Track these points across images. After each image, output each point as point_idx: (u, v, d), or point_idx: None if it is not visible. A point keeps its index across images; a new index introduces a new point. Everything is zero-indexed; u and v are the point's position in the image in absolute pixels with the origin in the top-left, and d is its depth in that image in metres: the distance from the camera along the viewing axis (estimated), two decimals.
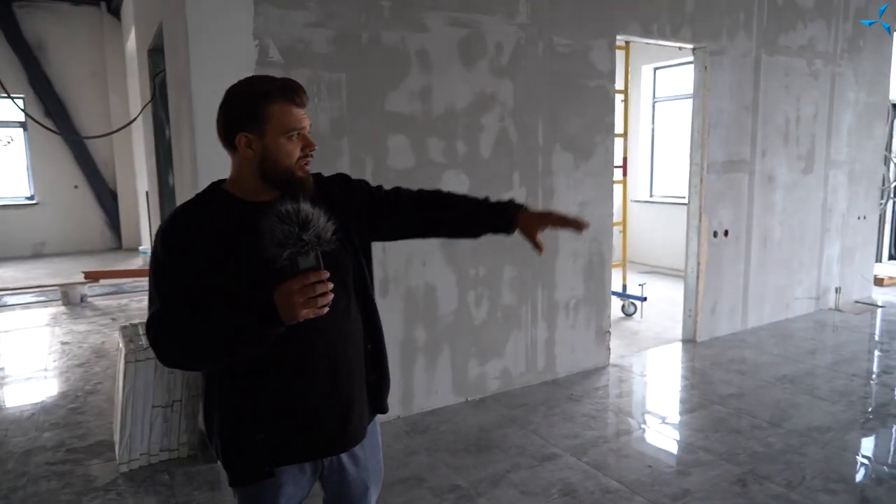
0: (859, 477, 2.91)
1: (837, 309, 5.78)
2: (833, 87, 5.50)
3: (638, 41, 4.50)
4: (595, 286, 4.24)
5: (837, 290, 5.86)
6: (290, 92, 1.32)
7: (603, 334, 4.34)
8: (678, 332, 5.08)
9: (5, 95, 5.31)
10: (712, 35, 4.62)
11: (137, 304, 6.54)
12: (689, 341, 4.93)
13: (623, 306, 5.71)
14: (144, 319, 4.55)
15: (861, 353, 4.71)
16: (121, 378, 3.06)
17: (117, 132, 6.94)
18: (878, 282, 6.59)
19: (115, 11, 9.53)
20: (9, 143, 9.68)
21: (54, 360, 4.75)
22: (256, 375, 1.35)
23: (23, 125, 9.63)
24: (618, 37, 4.15)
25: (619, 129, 4.57)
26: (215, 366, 1.37)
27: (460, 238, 1.75)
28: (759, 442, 3.21)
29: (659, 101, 8.27)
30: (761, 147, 5.06)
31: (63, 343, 5.17)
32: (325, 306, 1.20)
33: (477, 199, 1.62)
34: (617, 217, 4.90)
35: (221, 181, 1.41)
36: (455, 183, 3.54)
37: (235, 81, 1.38)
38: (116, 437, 3.13)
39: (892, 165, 7.58)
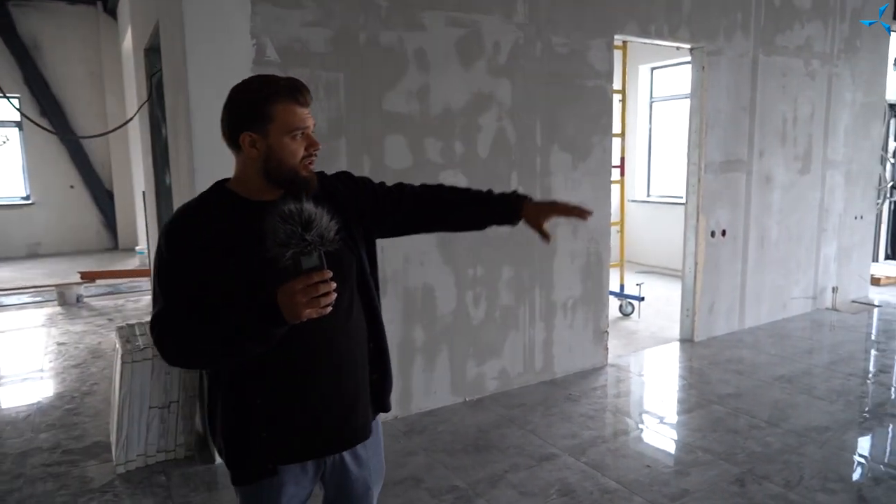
0: (857, 476, 2.91)
1: (834, 308, 5.80)
2: (830, 87, 5.51)
3: (636, 41, 4.50)
4: (593, 286, 4.24)
5: (834, 290, 5.87)
6: (295, 91, 1.32)
7: (601, 334, 4.34)
8: (676, 331, 5.09)
9: (1, 95, 5.29)
10: (710, 35, 4.62)
11: (134, 305, 6.52)
12: (686, 341, 4.93)
13: (621, 306, 5.71)
14: (141, 320, 4.52)
15: (858, 352, 4.72)
16: (117, 379, 3.05)
17: (114, 132, 6.91)
18: (875, 281, 6.61)
19: (111, 11, 9.50)
20: (4, 142, 9.64)
21: (50, 361, 4.73)
22: (260, 374, 1.35)
23: (18, 125, 9.59)
24: (615, 37, 4.15)
25: (616, 129, 4.57)
26: (219, 365, 1.38)
27: (465, 231, 1.77)
28: (758, 442, 3.21)
29: (656, 101, 8.28)
30: (758, 147, 5.07)
31: (59, 344, 5.15)
32: (327, 306, 1.20)
33: (480, 192, 1.64)
34: (614, 217, 4.90)
35: (225, 180, 1.41)
36: (453, 183, 3.52)
37: (233, 80, 1.38)
38: (113, 439, 3.12)
39: (888, 165, 7.60)
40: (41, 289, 6.91)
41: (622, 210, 5.76)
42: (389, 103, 3.34)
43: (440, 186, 1.65)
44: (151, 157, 4.52)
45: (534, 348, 4.03)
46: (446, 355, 3.68)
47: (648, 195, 8.45)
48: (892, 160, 7.69)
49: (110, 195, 10.16)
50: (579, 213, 1.58)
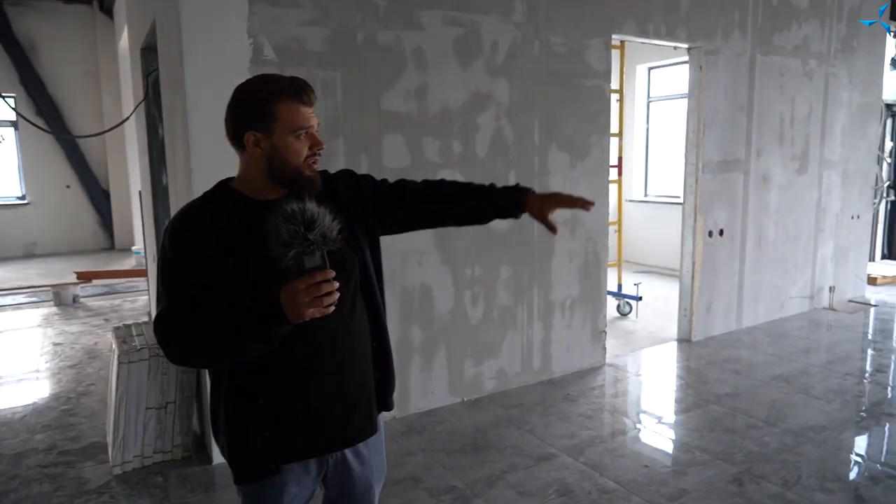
0: (855, 476, 2.92)
1: (831, 308, 5.81)
2: (827, 87, 5.52)
3: (634, 41, 4.50)
4: (591, 286, 4.24)
5: (831, 290, 5.89)
6: (299, 90, 1.32)
7: (599, 334, 4.34)
8: (673, 331, 5.09)
9: None
10: (707, 35, 4.62)
11: (130, 305, 6.51)
12: (684, 341, 4.93)
13: (618, 306, 5.71)
14: (137, 320, 4.50)
15: (855, 351, 4.73)
16: (114, 379, 3.04)
17: (110, 131, 6.89)
18: (872, 281, 6.62)
19: (107, 10, 9.47)
20: (0, 142, 9.61)
21: (46, 362, 4.71)
22: (263, 374, 1.36)
23: (14, 124, 9.57)
24: (613, 36, 4.15)
25: (614, 128, 4.58)
26: (222, 364, 1.38)
27: (468, 225, 1.78)
28: (755, 441, 3.21)
29: (653, 100, 8.28)
30: (756, 147, 5.07)
31: (55, 344, 5.13)
32: (330, 305, 1.20)
33: (483, 186, 1.64)
34: (612, 217, 4.90)
35: (229, 179, 1.42)
36: None
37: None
38: (109, 439, 3.10)
39: (885, 165, 7.62)
40: (37, 289, 6.89)
41: (620, 210, 5.76)
42: (387, 102, 3.33)
43: (442, 181, 1.67)
44: (148, 156, 4.50)
45: (532, 348, 4.02)
46: (444, 355, 3.68)
47: (646, 195, 8.46)
48: (889, 160, 7.71)
49: (107, 195, 10.14)
50: (582, 203, 1.59)
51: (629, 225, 7.52)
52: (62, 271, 7.83)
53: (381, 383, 1.55)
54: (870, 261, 6.71)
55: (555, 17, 3.84)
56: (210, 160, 2.77)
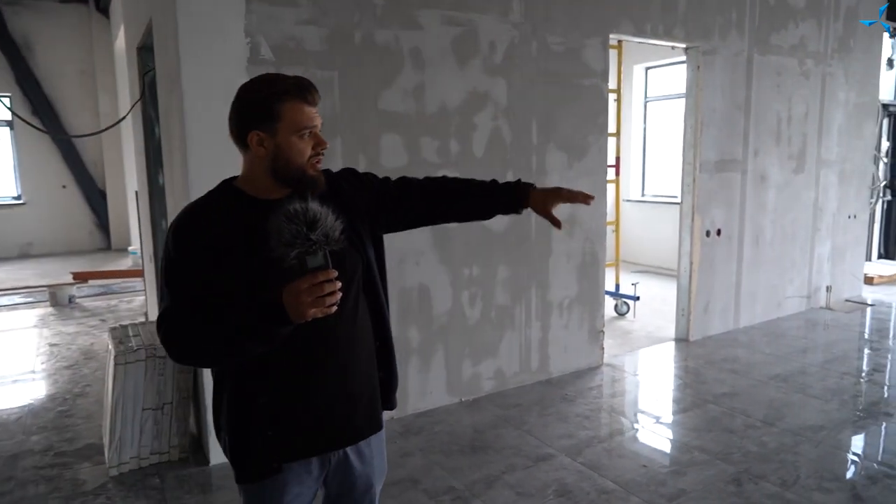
0: (853, 476, 2.92)
1: (828, 307, 5.82)
2: (824, 86, 5.52)
3: (631, 40, 4.50)
4: (588, 286, 4.24)
5: (828, 289, 5.90)
6: (303, 90, 1.32)
7: (596, 334, 4.34)
8: (671, 331, 5.09)
9: None
10: (705, 34, 4.62)
11: (127, 305, 6.48)
12: (681, 340, 4.94)
13: (616, 306, 5.71)
14: (134, 321, 4.48)
15: (852, 351, 4.73)
16: (110, 380, 3.02)
17: (106, 131, 6.86)
18: (868, 280, 6.64)
19: (103, 9, 9.44)
20: None
21: (42, 362, 4.68)
22: (265, 373, 1.36)
23: (10, 124, 9.53)
24: (611, 36, 4.15)
25: (611, 128, 4.58)
26: (225, 364, 1.39)
27: (471, 221, 1.80)
28: (754, 441, 3.21)
29: (650, 100, 8.29)
30: (753, 146, 5.07)
31: (51, 345, 5.11)
32: (332, 305, 1.21)
33: (485, 182, 1.66)
34: (609, 216, 4.90)
35: (233, 178, 1.42)
36: None
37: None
38: (106, 441, 3.09)
39: (881, 165, 7.64)
40: (33, 289, 6.86)
41: (617, 209, 5.76)
42: (385, 102, 3.32)
43: (444, 178, 1.68)
44: (144, 156, 4.49)
45: (530, 348, 4.02)
46: (442, 355, 3.67)
47: (643, 195, 8.46)
48: (885, 159, 7.73)
49: (103, 195, 10.10)
50: (583, 197, 1.59)
51: (626, 225, 7.52)
52: (58, 272, 7.80)
53: (384, 382, 1.56)
54: (866, 260, 6.72)
55: (552, 16, 3.83)
56: (207, 160, 2.76)
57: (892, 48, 7.36)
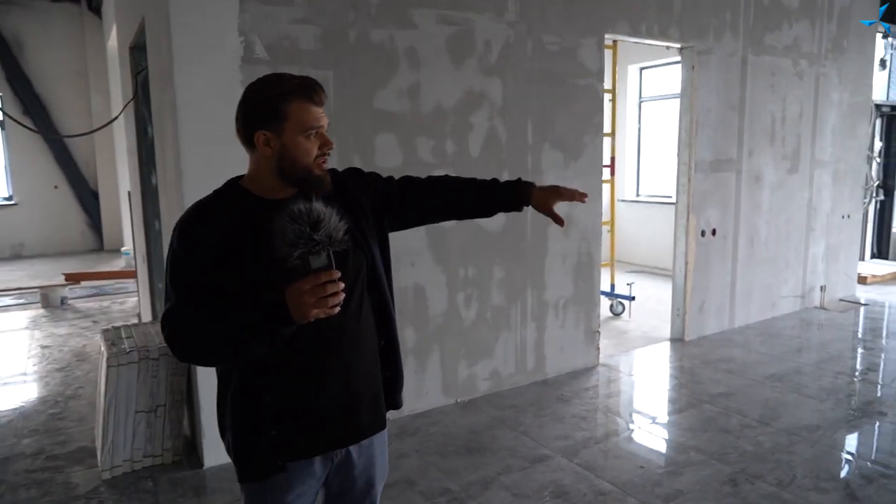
0: (849, 475, 2.92)
1: (822, 307, 5.84)
2: (817, 87, 5.54)
3: (627, 40, 4.49)
4: (584, 286, 4.23)
5: (822, 289, 5.92)
6: (309, 90, 1.33)
7: (592, 334, 4.33)
8: (666, 331, 5.09)
9: None
10: (699, 35, 4.63)
11: (119, 307, 6.44)
12: (677, 340, 4.94)
13: (611, 306, 5.71)
14: (127, 322, 4.44)
15: (846, 350, 4.75)
16: (102, 382, 2.99)
17: (98, 131, 6.81)
18: (862, 280, 6.67)
19: (95, 8, 9.38)
20: None
21: (34, 364, 4.64)
22: (269, 372, 1.37)
23: (1, 124, 9.44)
24: (606, 36, 4.15)
25: (606, 128, 4.57)
26: (228, 363, 1.39)
27: (473, 218, 1.82)
28: (749, 441, 3.21)
29: (645, 101, 8.30)
30: (748, 146, 5.09)
31: (43, 347, 5.06)
32: (335, 306, 1.21)
33: (486, 182, 1.70)
34: (605, 216, 4.90)
35: (239, 178, 1.42)
36: None
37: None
38: (98, 444, 3.06)
39: (874, 165, 7.68)
40: (24, 291, 6.80)
41: (612, 209, 5.76)
42: (380, 102, 3.31)
43: (446, 176, 1.71)
44: (137, 156, 4.45)
45: (525, 349, 4.01)
46: (437, 356, 3.66)
47: (638, 195, 8.48)
48: (879, 160, 7.77)
49: (95, 195, 10.03)
50: (579, 196, 1.65)
51: (622, 225, 7.52)
52: (50, 273, 7.74)
53: (389, 381, 1.56)
54: (860, 260, 6.75)
55: (548, 16, 3.83)
56: (200, 160, 2.73)
57: (885, 49, 7.41)
